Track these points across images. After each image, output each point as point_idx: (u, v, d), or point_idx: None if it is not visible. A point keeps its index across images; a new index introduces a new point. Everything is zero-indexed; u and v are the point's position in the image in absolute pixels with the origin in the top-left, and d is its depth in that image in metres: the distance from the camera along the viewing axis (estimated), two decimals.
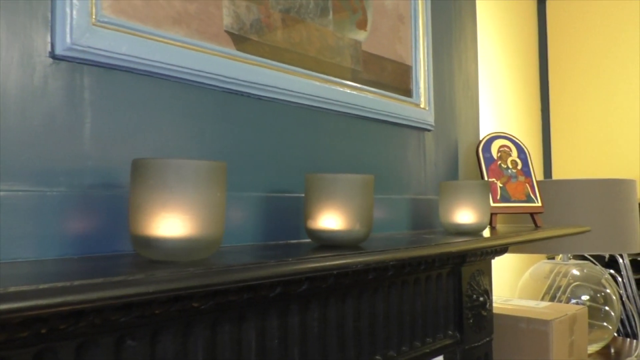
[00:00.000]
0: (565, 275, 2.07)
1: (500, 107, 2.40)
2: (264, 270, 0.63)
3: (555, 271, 2.10)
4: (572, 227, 1.49)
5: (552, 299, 2.04)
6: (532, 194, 1.46)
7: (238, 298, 0.73)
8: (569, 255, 2.15)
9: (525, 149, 1.52)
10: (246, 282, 0.60)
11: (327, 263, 0.71)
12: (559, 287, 2.05)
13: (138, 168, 0.62)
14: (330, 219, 0.82)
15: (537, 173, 2.71)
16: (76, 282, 0.45)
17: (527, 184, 1.47)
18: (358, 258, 0.75)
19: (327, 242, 0.84)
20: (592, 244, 1.86)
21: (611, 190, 1.87)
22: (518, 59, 2.58)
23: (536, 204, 1.45)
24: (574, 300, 2.01)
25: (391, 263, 0.81)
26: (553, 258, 2.27)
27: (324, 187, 0.83)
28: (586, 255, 2.24)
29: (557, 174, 2.76)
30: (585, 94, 2.68)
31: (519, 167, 1.49)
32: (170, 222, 0.60)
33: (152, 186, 0.61)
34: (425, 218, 1.33)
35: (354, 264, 0.74)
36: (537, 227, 1.44)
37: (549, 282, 2.09)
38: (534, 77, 2.75)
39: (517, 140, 1.53)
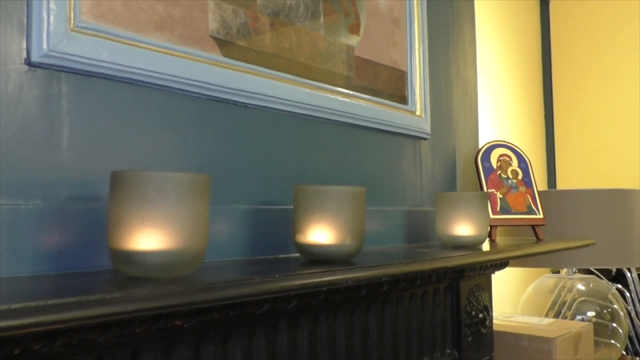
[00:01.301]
0: (570, 290, 2.08)
1: (501, 114, 2.41)
2: (249, 288, 0.63)
3: (559, 286, 2.11)
4: (575, 240, 1.50)
5: (556, 315, 2.05)
6: (534, 205, 1.48)
7: (223, 316, 0.74)
8: (574, 269, 2.16)
9: (526, 158, 1.54)
10: (230, 300, 0.61)
11: (316, 280, 0.71)
12: (563, 303, 2.06)
13: (117, 180, 0.63)
14: (320, 233, 0.83)
15: (541, 183, 2.72)
16: (50, 302, 0.46)
17: (528, 195, 1.48)
18: (348, 274, 0.75)
19: (317, 257, 0.85)
20: (598, 257, 1.87)
21: (618, 201, 1.88)
22: (520, 63, 2.61)
23: (538, 216, 1.46)
24: (579, 317, 2.02)
25: (384, 279, 0.82)
26: (558, 272, 2.28)
27: (314, 200, 0.84)
28: (592, 269, 2.26)
29: (561, 184, 2.77)
30: (591, 99, 2.70)
31: (520, 177, 1.50)
32: (151, 237, 0.61)
33: (132, 199, 0.61)
34: (421, 231, 1.34)
35: (344, 280, 0.74)
36: (538, 240, 1.45)
37: (553, 297, 2.10)
38: (537, 82, 2.77)
39: (517, 149, 1.54)
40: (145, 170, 0.64)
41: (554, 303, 2.08)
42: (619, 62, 2.62)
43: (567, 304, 2.06)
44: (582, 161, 2.72)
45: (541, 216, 1.47)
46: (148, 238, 0.61)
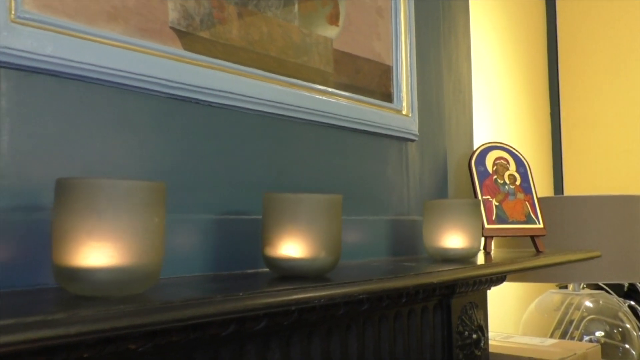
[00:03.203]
0: (577, 307, 2.11)
1: (499, 114, 2.44)
2: (209, 307, 0.64)
3: (566, 303, 2.13)
4: (579, 252, 1.52)
5: (563, 336, 2.07)
6: (533, 213, 1.50)
7: (182, 338, 0.75)
8: (582, 284, 2.19)
9: (524, 162, 1.56)
10: (187, 322, 0.62)
11: (285, 298, 0.72)
12: (571, 322, 2.09)
13: (63, 189, 0.63)
14: (291, 246, 0.84)
15: (546, 189, 2.75)
16: None
17: (527, 202, 1.51)
18: (321, 291, 0.77)
19: (288, 273, 0.86)
20: (607, 270, 1.89)
21: (629, 209, 1.90)
22: (522, 57, 2.63)
23: (537, 225, 1.49)
24: (587, 337, 2.04)
25: (361, 296, 0.83)
26: (566, 287, 2.31)
27: (285, 209, 0.85)
28: (601, 284, 2.28)
29: (569, 190, 2.80)
30: (601, 97, 2.73)
31: (518, 182, 1.52)
32: (99, 252, 0.62)
33: (78, 210, 0.62)
34: (407, 243, 1.35)
35: (317, 299, 0.76)
36: (538, 252, 1.47)
37: (559, 315, 2.12)
38: (542, 79, 2.80)
39: (515, 152, 1.56)
40: (93, 177, 0.64)
41: (560, 322, 2.10)
42: (630, 59, 2.66)
43: (574, 323, 2.08)
44: (591, 164, 2.74)
45: (541, 226, 1.49)
46: (96, 253, 0.62)
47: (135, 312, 0.57)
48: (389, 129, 1.32)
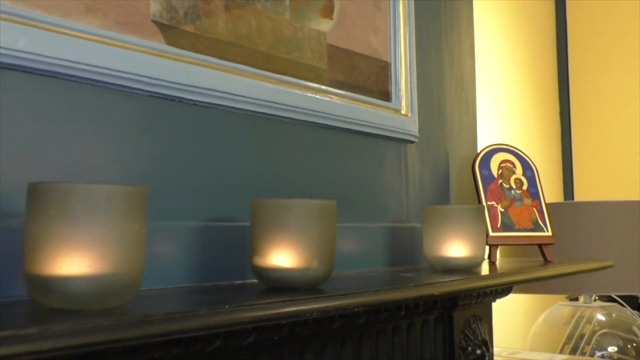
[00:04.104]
0: (589, 321, 2.11)
1: (506, 114, 2.45)
2: (193, 321, 0.64)
3: (577, 316, 2.14)
4: (590, 261, 1.53)
5: (573, 351, 2.08)
6: (541, 220, 1.50)
7: (165, 354, 0.75)
8: (593, 296, 2.19)
9: (532, 165, 1.57)
10: (169, 336, 0.62)
11: (274, 311, 0.72)
12: (582, 336, 2.09)
13: (35, 193, 0.63)
14: (282, 255, 0.84)
15: (556, 194, 2.75)
16: None
17: (534, 208, 1.51)
18: (313, 304, 0.77)
19: (278, 284, 0.86)
20: (620, 281, 1.89)
21: None
22: (530, 54, 2.64)
23: (546, 233, 1.49)
24: (599, 353, 2.05)
25: (357, 309, 0.83)
26: (576, 299, 2.31)
27: (274, 215, 0.85)
28: (614, 296, 2.29)
29: (580, 195, 2.80)
30: (614, 96, 2.73)
31: (525, 187, 1.53)
32: (75, 261, 0.62)
33: (52, 216, 0.62)
34: (406, 252, 1.36)
35: (309, 312, 0.76)
36: (547, 261, 1.47)
37: (569, 329, 2.13)
38: (551, 78, 2.80)
39: (522, 154, 1.57)
40: (69, 181, 0.64)
41: (570, 336, 2.11)
42: None
43: (585, 338, 2.09)
44: (604, 168, 2.75)
45: (550, 233, 1.50)
46: (71, 262, 0.61)
47: (114, 326, 0.57)
48: (387, 129, 1.32)
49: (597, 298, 2.23)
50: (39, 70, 0.79)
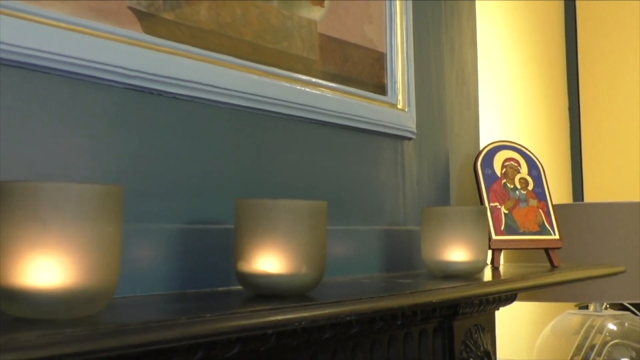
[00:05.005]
0: (600, 330, 2.12)
1: (511, 108, 2.45)
2: (172, 331, 0.64)
3: (586, 325, 2.14)
4: (601, 266, 1.53)
5: None
6: (548, 223, 1.50)
7: None
8: (604, 303, 2.19)
9: (538, 163, 1.57)
10: (146, 347, 0.61)
11: (259, 320, 0.72)
12: (592, 347, 2.09)
13: (0, 193, 0.63)
14: (268, 260, 0.84)
15: (564, 195, 2.75)
16: None
17: (540, 210, 1.51)
18: (302, 312, 0.76)
19: (264, 291, 0.86)
20: (633, 288, 1.89)
21: None
22: (536, 45, 2.64)
23: (552, 237, 1.49)
24: None
25: (349, 318, 0.83)
26: (586, 307, 2.32)
27: (260, 217, 0.85)
28: (626, 304, 2.29)
29: (590, 196, 2.80)
30: (627, 90, 2.73)
31: (531, 187, 1.53)
32: (44, 267, 0.61)
33: (19, 218, 0.62)
34: (403, 256, 1.36)
35: (297, 321, 0.75)
36: (553, 267, 1.47)
37: (578, 340, 2.13)
38: (559, 69, 2.80)
39: (528, 152, 1.57)
40: (36, 180, 0.64)
41: (580, 347, 2.11)
42: None
43: (596, 349, 2.09)
44: (615, 168, 2.75)
45: (557, 237, 1.50)
46: (40, 268, 0.61)
47: (85, 336, 0.57)
48: (382, 125, 1.32)
49: (608, 306, 2.23)
50: (3, 60, 0.78)
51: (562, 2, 2.86)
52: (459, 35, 1.62)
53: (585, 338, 2.10)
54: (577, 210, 1.95)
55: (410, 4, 1.42)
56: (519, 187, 1.52)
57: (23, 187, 0.62)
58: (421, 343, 1.21)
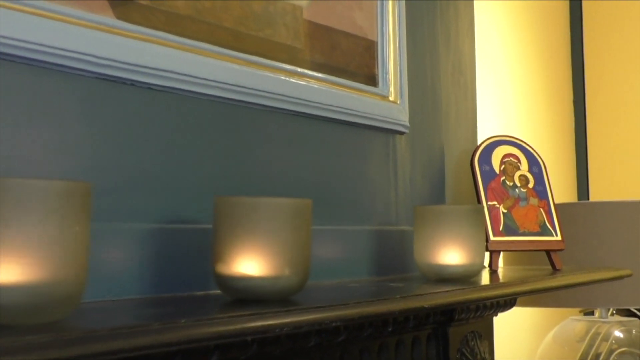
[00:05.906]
0: (605, 338, 2.12)
1: (511, 101, 2.45)
2: (144, 338, 0.63)
3: (592, 332, 2.15)
4: (606, 270, 1.54)
5: None
6: (549, 223, 1.51)
7: None
8: (610, 309, 2.20)
9: (539, 160, 1.57)
10: (115, 355, 0.61)
11: (239, 326, 0.72)
12: (597, 355, 2.10)
13: None
14: (248, 262, 0.84)
15: (569, 194, 2.76)
16: None
17: (541, 209, 1.51)
18: (284, 318, 0.76)
19: (244, 295, 0.85)
20: None
21: None
22: (538, 33, 2.64)
23: (554, 238, 1.50)
24: None
25: (335, 324, 0.83)
26: (591, 313, 2.32)
27: (240, 216, 0.85)
28: (633, 309, 2.30)
29: (595, 195, 2.81)
30: (636, 81, 2.74)
31: (531, 185, 1.53)
32: (5, 268, 0.61)
33: None
34: (395, 258, 1.36)
35: (279, 327, 0.75)
36: (555, 270, 1.48)
37: (583, 347, 2.14)
38: (564, 59, 2.80)
39: (528, 148, 1.57)
40: None
41: (585, 355, 2.12)
42: None
43: (602, 358, 2.10)
44: (623, 165, 2.75)
45: (559, 238, 1.50)
46: (1, 269, 0.61)
47: (49, 343, 0.56)
48: (373, 118, 1.32)
49: (614, 312, 2.24)
50: None
51: (567, 11, 2.85)
52: (456, 23, 1.62)
53: (590, 346, 2.11)
54: (582, 209, 1.95)
55: None
56: (518, 184, 1.52)
57: None
58: (414, 351, 1.21)
